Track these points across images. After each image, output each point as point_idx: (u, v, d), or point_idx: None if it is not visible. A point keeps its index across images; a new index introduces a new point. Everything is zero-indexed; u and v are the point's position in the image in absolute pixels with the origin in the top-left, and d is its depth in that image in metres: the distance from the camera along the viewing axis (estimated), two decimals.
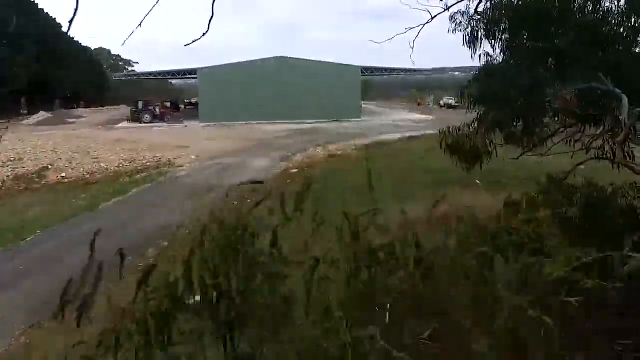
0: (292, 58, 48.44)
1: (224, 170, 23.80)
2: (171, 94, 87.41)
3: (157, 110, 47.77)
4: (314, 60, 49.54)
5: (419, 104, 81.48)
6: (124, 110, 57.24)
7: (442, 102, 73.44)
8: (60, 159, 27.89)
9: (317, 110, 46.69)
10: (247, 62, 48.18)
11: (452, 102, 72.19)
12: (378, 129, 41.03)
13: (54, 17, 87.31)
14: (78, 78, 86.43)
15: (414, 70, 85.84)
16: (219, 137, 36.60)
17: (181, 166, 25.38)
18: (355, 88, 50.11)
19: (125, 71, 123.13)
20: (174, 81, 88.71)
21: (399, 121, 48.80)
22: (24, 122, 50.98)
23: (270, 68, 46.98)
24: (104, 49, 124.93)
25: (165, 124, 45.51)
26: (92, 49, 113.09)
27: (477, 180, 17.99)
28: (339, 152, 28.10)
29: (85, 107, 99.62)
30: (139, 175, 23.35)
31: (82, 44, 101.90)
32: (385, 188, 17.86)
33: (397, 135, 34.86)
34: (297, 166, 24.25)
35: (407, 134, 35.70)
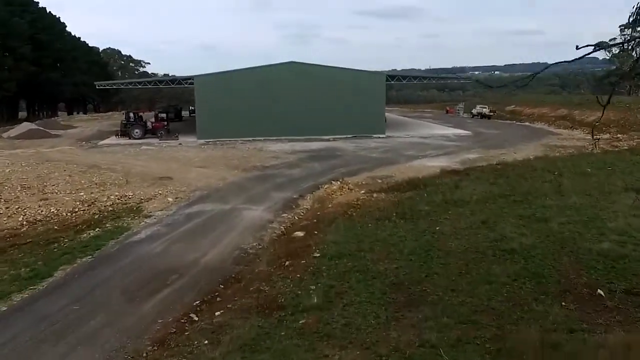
0: (306, 64, 41.09)
1: (202, 228, 17.12)
2: (183, 98, 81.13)
3: (149, 123, 41.27)
4: (331, 67, 42.02)
5: (447, 112, 73.90)
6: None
7: (474, 111, 65.80)
8: (1, 198, 21.56)
9: (335, 125, 39.61)
10: (252, 68, 40.94)
11: (485, 111, 64.40)
12: (408, 151, 34.12)
13: (57, 16, 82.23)
14: (81, 80, 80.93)
15: (443, 78, 78.79)
16: (213, 162, 29.98)
17: (149, 216, 18.80)
18: (380, 99, 42.56)
19: (136, 72, 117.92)
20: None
21: (430, 137, 41.66)
22: (4, 134, 45.14)
23: (280, 76, 39.81)
24: (114, 50, 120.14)
25: (157, 140, 39.02)
26: (101, 49, 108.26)
27: (599, 290, 10.74)
28: (361, 194, 21.10)
29: (95, 112, 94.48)
30: (85, 235, 16.80)
31: (89, 44, 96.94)
32: (442, 291, 10.42)
33: (436, 163, 27.84)
34: (304, 222, 17.39)
35: (447, 161, 28.69)
